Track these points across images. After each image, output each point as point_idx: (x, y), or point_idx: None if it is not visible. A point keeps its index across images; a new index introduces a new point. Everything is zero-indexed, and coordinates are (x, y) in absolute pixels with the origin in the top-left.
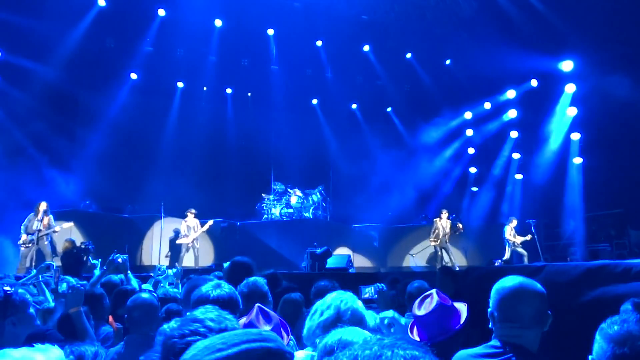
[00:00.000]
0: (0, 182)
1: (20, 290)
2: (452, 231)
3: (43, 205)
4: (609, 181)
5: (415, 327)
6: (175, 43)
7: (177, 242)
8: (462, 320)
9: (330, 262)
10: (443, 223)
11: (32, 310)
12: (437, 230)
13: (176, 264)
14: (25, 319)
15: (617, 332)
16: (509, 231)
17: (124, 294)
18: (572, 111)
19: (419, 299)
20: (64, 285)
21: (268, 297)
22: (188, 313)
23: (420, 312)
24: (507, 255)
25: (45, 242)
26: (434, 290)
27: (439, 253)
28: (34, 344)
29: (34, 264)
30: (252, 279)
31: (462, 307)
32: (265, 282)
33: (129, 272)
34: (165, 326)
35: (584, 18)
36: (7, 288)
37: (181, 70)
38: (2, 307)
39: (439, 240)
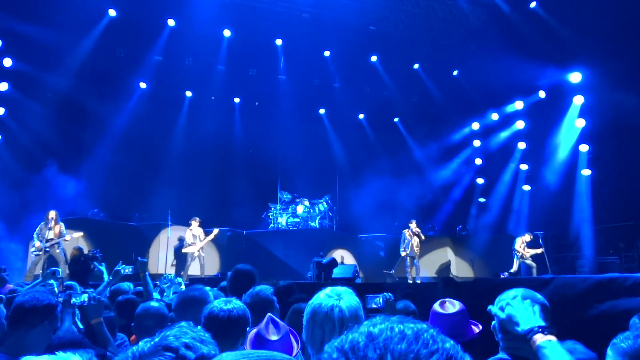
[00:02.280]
0: (10, 190)
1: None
2: (419, 239)
3: (52, 214)
4: (617, 193)
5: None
6: (184, 53)
7: (183, 250)
8: (476, 331)
9: (336, 272)
10: (411, 233)
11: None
12: (406, 241)
13: (182, 272)
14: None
15: (631, 347)
16: (520, 243)
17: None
18: (580, 123)
19: (439, 302)
20: (85, 296)
21: (274, 305)
22: (157, 338)
23: (444, 311)
24: (514, 268)
25: (57, 250)
26: (449, 299)
27: (409, 263)
28: (70, 351)
29: (42, 271)
30: (257, 288)
31: (478, 326)
32: (272, 290)
33: (147, 273)
34: (133, 348)
35: (593, 30)
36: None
37: (190, 80)
38: (42, 312)
39: (408, 250)
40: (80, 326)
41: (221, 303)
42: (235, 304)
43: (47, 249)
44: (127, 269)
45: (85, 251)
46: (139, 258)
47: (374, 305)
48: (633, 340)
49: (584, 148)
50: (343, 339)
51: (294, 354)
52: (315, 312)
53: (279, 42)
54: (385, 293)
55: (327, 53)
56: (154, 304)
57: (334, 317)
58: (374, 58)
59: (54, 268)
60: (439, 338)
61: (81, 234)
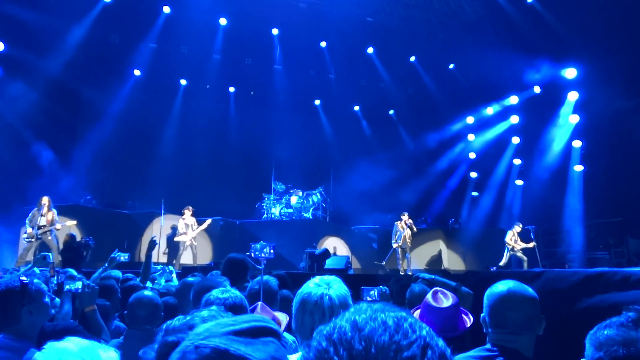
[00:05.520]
0: (1, 176)
1: (35, 280)
2: (411, 231)
3: (45, 200)
4: (609, 189)
5: (419, 316)
6: (179, 40)
7: (175, 239)
8: (468, 324)
9: (329, 263)
10: (404, 225)
11: (47, 299)
12: (398, 233)
13: (174, 261)
14: (41, 308)
15: (602, 337)
16: (510, 236)
17: (132, 289)
18: (574, 118)
19: (431, 293)
20: (79, 283)
21: (277, 297)
22: (189, 317)
23: (438, 304)
24: (504, 261)
25: (50, 237)
26: (441, 290)
27: (400, 255)
28: (65, 338)
29: (33, 258)
30: (265, 277)
31: (469, 316)
32: (276, 282)
33: (151, 254)
34: (167, 323)
35: (589, 26)
36: (24, 278)
37: (184, 68)
38: (19, 296)
39: (400, 242)
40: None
41: (218, 292)
42: (232, 293)
43: (39, 235)
44: (123, 257)
45: (78, 238)
46: (153, 237)
47: (368, 298)
48: (602, 331)
49: (577, 144)
50: (331, 327)
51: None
52: (304, 301)
53: (275, 31)
54: (380, 286)
55: (323, 44)
56: (147, 293)
57: (323, 306)
58: (370, 50)
59: (44, 253)
60: (417, 326)
61: (74, 222)
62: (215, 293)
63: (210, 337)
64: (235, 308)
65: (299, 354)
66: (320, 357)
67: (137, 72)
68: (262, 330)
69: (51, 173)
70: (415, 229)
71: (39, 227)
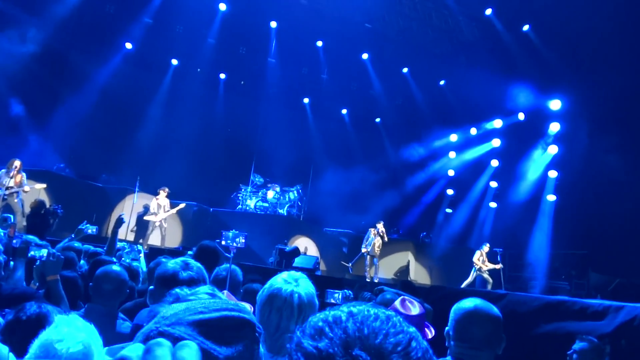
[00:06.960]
0: None
1: None
2: (382, 240)
3: (17, 163)
4: (577, 222)
5: None
6: (175, 19)
7: (145, 218)
8: (430, 336)
9: (298, 262)
10: (376, 233)
11: (2, 258)
12: (369, 239)
13: (141, 240)
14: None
15: None
16: (478, 256)
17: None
18: (553, 149)
19: (399, 300)
20: (44, 251)
21: (240, 287)
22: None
23: (406, 312)
24: (469, 280)
25: (15, 200)
26: (409, 298)
27: (369, 262)
28: (22, 303)
29: None
30: (233, 266)
31: (431, 329)
32: (241, 273)
33: (118, 231)
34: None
35: (579, 61)
36: None
37: (177, 48)
38: None
39: (369, 248)
40: None
41: (177, 267)
42: (191, 270)
43: (5, 196)
44: (91, 229)
45: (47, 205)
46: (121, 215)
47: (332, 301)
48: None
49: (552, 174)
50: (326, 313)
51: None
52: (273, 296)
53: (273, 24)
54: (345, 290)
55: (319, 43)
56: (115, 267)
57: (293, 303)
58: (365, 56)
59: (5, 215)
60: (405, 323)
61: (44, 185)
62: (170, 265)
63: (177, 324)
64: (192, 283)
65: None
66: (316, 334)
67: (128, 45)
68: (232, 320)
69: (26, 135)
70: (386, 239)
71: (6, 189)
